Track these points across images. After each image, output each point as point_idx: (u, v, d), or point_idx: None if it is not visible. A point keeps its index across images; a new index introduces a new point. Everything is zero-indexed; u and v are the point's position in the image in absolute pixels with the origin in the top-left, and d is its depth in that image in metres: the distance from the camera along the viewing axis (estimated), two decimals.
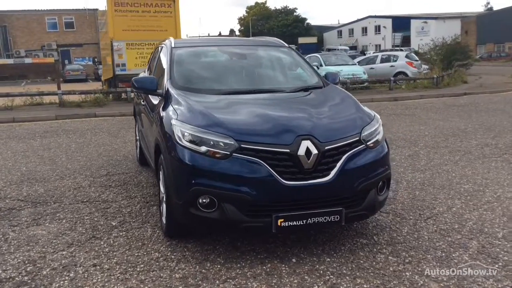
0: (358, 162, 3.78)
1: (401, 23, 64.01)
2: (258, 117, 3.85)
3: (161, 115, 4.22)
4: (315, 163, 3.59)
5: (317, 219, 3.64)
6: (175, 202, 3.82)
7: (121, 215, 4.85)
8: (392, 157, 7.20)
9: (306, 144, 3.59)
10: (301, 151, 3.57)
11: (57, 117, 13.11)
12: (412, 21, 64.68)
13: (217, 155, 3.58)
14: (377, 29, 70.37)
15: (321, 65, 20.09)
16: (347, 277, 3.51)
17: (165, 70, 4.83)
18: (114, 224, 4.62)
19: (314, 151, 3.59)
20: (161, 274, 3.58)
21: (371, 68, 22.77)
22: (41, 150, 8.33)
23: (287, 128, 3.69)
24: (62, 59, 47.58)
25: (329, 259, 3.80)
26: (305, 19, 77.30)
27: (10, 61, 41.65)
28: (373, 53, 33.41)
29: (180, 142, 3.74)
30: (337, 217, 3.69)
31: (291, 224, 3.60)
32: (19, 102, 15.23)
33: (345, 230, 4.39)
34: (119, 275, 3.58)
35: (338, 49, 55.70)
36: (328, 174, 3.64)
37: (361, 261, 3.77)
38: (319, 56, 21.10)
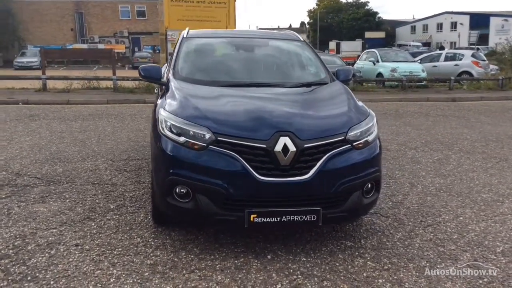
0: (341, 162, 3.66)
1: (479, 20, 60.80)
2: (242, 110, 3.82)
3: (157, 103, 4.29)
4: (292, 160, 3.52)
5: (292, 217, 3.57)
6: (156, 190, 3.89)
7: (122, 199, 4.98)
8: (419, 160, 6.92)
9: (284, 140, 3.52)
10: (278, 148, 3.50)
11: (109, 101, 13.62)
12: (492, 18, 61.23)
13: (195, 147, 3.59)
14: (453, 25, 67.31)
15: (377, 61, 19.55)
16: (315, 279, 3.43)
17: (172, 59, 4.91)
18: (112, 207, 4.76)
19: (292, 148, 3.51)
20: (134, 259, 3.65)
21: (434, 66, 21.82)
22: (77, 132, 8.70)
23: (267, 123, 3.63)
24: (133, 47, 49.34)
25: (304, 259, 3.72)
26: (376, 13, 75.34)
27: (85, 46, 43.91)
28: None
29: (162, 132, 3.79)
30: (314, 217, 3.59)
31: (264, 220, 3.55)
32: (78, 85, 15.97)
33: (334, 230, 4.27)
34: (95, 256, 3.70)
35: (409, 45, 53.94)
36: (306, 173, 3.55)
37: (337, 264, 3.66)
38: (376, 52, 20.48)
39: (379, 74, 18.89)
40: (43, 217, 4.47)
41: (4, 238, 4.00)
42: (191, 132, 3.62)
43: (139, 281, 3.34)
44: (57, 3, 48.60)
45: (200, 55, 5.04)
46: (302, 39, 5.51)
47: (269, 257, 3.75)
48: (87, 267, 3.52)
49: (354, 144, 3.74)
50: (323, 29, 73.90)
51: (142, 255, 3.72)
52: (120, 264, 3.58)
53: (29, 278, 3.36)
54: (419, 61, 21.84)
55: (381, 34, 57.26)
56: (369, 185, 3.88)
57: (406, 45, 54.43)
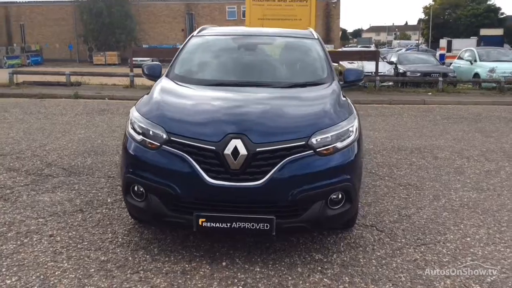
0: (299, 169, 3.40)
1: None
2: (201, 111, 3.72)
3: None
4: (243, 164, 3.33)
5: (243, 224, 3.39)
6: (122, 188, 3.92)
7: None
8: (463, 170, 6.25)
9: (235, 143, 3.35)
10: (228, 150, 3.33)
11: None
12: None
13: (151, 146, 3.55)
14: None
15: (475, 61, 18.00)
16: None
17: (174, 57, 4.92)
18: (109, 201, 4.88)
19: (243, 151, 3.32)
20: (91, 255, 3.70)
21: None
22: None
23: (221, 124, 3.48)
24: None
25: (259, 269, 3.51)
26: (498, 8, 69.56)
27: None
28: None
29: (127, 129, 3.81)
30: (266, 226, 3.38)
31: (214, 225, 3.41)
32: None
33: (311, 241, 3.99)
34: (59, 248, 3.81)
35: None
36: (260, 179, 3.34)
37: (289, 278, 3.41)
38: (474, 50, 18.84)
39: (476, 75, 17.38)
40: (41, 206, 4.71)
41: None
42: (151, 132, 3.59)
43: (80, 276, 3.37)
44: (170, 5, 51.48)
45: (199, 54, 4.96)
46: (316, 37, 5.20)
47: (224, 264, 3.59)
48: (44, 258, 3.63)
49: (317, 150, 3.45)
50: (439, 26, 70.02)
51: (101, 251, 3.76)
52: (76, 258, 3.65)
53: None
54: None
55: (498, 31, 52.48)
56: (339, 196, 3.56)
57: None
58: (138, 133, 3.65)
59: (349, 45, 73.57)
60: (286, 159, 3.38)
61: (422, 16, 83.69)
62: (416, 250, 3.87)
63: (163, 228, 4.11)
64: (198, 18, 51.48)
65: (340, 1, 50.13)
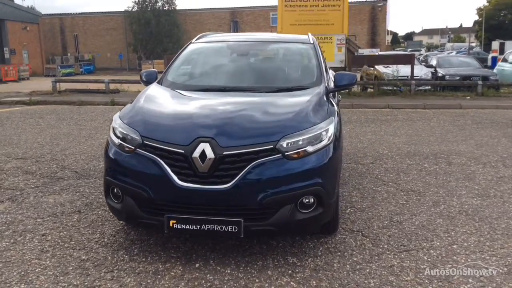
0: (267, 172, 3.43)
1: None
2: (175, 115, 3.82)
3: None
4: (211, 167, 3.41)
5: (212, 226, 3.46)
6: None
7: None
8: (475, 177, 6.04)
9: (203, 146, 3.42)
10: (196, 154, 3.41)
11: None
12: None
13: (126, 149, 3.68)
14: None
15: None
16: None
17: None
18: None
19: (211, 155, 3.40)
20: (74, 253, 3.86)
21: None
22: None
23: (192, 128, 3.57)
24: None
25: (229, 271, 3.56)
26: None
27: None
28: None
29: (109, 134, 3.96)
30: (234, 228, 3.43)
31: (184, 227, 3.50)
32: None
33: (291, 246, 3.99)
34: (46, 246, 4.00)
35: None
36: (227, 182, 3.41)
37: (257, 280, 3.43)
38: None
39: None
40: (44, 207, 4.95)
41: None
42: (129, 136, 3.72)
43: (57, 274, 3.53)
44: (216, 13, 52.24)
45: (193, 60, 5.07)
46: (311, 42, 5.20)
47: (197, 265, 3.66)
48: (30, 256, 3.83)
49: (286, 153, 3.47)
50: (493, 28, 67.42)
51: (84, 250, 3.92)
52: (59, 256, 3.82)
53: None
54: None
55: None
56: (311, 199, 3.56)
57: None
58: (118, 138, 3.79)
59: (398, 49, 72.13)
60: (254, 163, 3.42)
61: (477, 18, 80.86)
62: (396, 256, 3.80)
63: (149, 230, 4.22)
64: (242, 26, 51.97)
65: (386, 4, 49.15)
